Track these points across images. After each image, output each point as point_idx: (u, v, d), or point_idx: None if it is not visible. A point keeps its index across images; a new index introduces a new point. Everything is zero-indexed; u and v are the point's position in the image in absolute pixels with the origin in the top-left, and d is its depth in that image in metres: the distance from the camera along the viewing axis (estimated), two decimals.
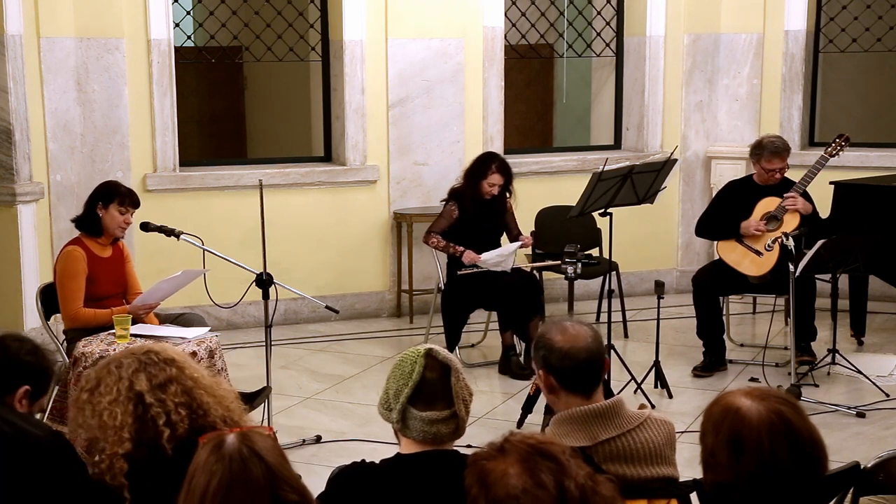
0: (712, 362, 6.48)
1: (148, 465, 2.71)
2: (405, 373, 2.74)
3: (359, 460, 2.83)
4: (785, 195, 6.34)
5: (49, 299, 5.35)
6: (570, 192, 7.14)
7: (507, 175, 6.63)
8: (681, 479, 3.06)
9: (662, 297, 5.85)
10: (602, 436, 2.90)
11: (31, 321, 6.68)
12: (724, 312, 6.72)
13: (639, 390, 5.84)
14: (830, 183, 6.89)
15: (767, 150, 6.39)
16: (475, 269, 6.51)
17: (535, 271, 6.77)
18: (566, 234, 7.03)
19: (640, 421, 2.96)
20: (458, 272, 6.53)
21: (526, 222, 7.37)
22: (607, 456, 2.88)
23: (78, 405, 2.84)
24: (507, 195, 6.73)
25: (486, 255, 6.53)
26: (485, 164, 6.63)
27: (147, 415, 2.73)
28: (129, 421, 2.74)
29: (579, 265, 5.74)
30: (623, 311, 7.38)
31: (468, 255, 6.52)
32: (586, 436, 2.90)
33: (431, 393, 2.72)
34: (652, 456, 2.93)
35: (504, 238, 6.86)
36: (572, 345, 2.93)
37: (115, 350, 4.77)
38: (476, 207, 6.64)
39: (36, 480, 2.76)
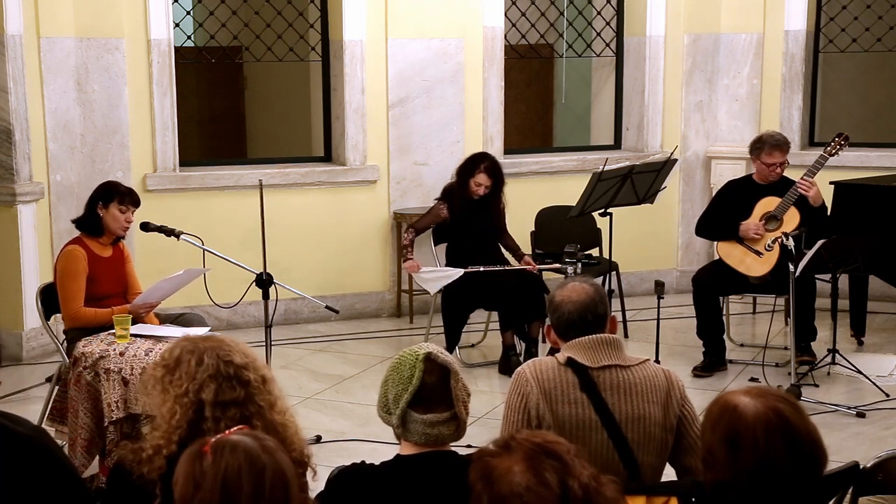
0: (712, 362, 6.48)
1: None
2: (404, 378, 2.74)
3: (358, 461, 2.83)
4: (800, 179, 6.30)
5: (49, 299, 5.34)
6: (570, 192, 7.15)
7: (496, 178, 6.61)
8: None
9: (662, 297, 5.86)
10: (604, 360, 3.09)
11: (31, 321, 6.69)
12: (724, 312, 6.72)
13: None
14: (830, 183, 6.89)
15: (768, 144, 6.39)
16: (479, 269, 6.52)
17: (536, 271, 6.76)
18: (566, 234, 7.03)
19: (639, 362, 3.16)
20: (464, 270, 6.53)
21: (526, 222, 7.38)
22: (608, 384, 3.06)
23: (151, 381, 2.82)
24: (502, 197, 6.72)
25: (425, 270, 6.61)
26: (474, 162, 6.65)
27: (201, 425, 2.71)
28: (183, 424, 2.73)
29: (579, 265, 5.75)
30: (623, 311, 7.38)
31: (408, 265, 6.66)
32: (589, 359, 3.10)
33: (432, 397, 2.73)
34: (649, 393, 3.08)
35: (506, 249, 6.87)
36: (564, 298, 3.20)
37: (114, 350, 4.77)
38: (466, 207, 6.64)
39: (20, 476, 2.74)
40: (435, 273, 6.62)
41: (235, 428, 2.32)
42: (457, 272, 6.53)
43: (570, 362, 3.09)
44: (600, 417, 3.01)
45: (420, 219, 6.82)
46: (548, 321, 3.28)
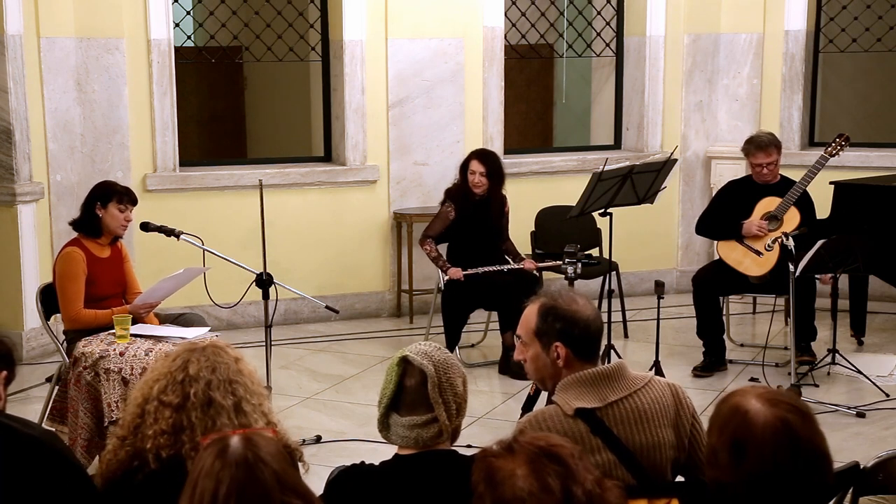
0: (712, 362, 6.48)
1: (132, 481, 2.73)
2: (386, 381, 2.78)
3: (358, 462, 2.83)
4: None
5: (49, 299, 5.34)
6: (570, 192, 7.14)
7: (490, 165, 6.61)
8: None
9: (662, 297, 5.85)
10: (611, 397, 2.86)
11: (31, 321, 6.69)
12: (724, 312, 6.72)
13: None
14: (830, 183, 6.89)
15: (753, 145, 6.43)
16: (477, 271, 6.52)
17: (536, 271, 6.76)
18: (566, 234, 7.03)
19: (644, 382, 2.93)
20: (463, 272, 6.52)
21: (526, 222, 7.38)
22: (618, 419, 2.85)
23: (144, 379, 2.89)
24: (505, 200, 6.73)
25: (470, 272, 6.58)
26: (466, 157, 6.70)
27: (141, 426, 2.76)
28: (136, 409, 2.79)
29: (579, 265, 5.74)
30: (623, 311, 7.38)
31: (453, 272, 6.55)
32: (596, 397, 2.86)
33: (411, 400, 2.74)
34: (661, 415, 2.89)
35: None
36: (589, 314, 2.93)
37: (114, 350, 4.78)
38: (469, 208, 6.64)
39: (31, 478, 2.75)
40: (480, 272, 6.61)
41: (258, 426, 2.31)
42: (503, 267, 6.61)
43: (580, 413, 2.84)
44: (617, 455, 2.82)
45: (430, 225, 6.78)
46: (557, 342, 2.92)
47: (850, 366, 6.16)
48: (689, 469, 3.00)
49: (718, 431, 2.34)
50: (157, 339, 4.95)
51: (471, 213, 6.65)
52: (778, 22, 8.30)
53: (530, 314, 3.01)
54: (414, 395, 2.73)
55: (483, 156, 6.66)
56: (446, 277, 6.59)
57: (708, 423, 2.42)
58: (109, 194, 5.25)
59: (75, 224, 5.33)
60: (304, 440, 5.37)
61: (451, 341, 6.49)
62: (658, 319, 5.90)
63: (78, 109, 7.02)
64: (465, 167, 6.66)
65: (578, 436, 2.81)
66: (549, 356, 2.95)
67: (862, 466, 3.14)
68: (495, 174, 6.63)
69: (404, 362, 2.76)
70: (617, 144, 8.69)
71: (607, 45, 8.62)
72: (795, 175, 6.48)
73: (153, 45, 7.17)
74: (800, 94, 8.34)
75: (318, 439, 5.42)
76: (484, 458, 2.10)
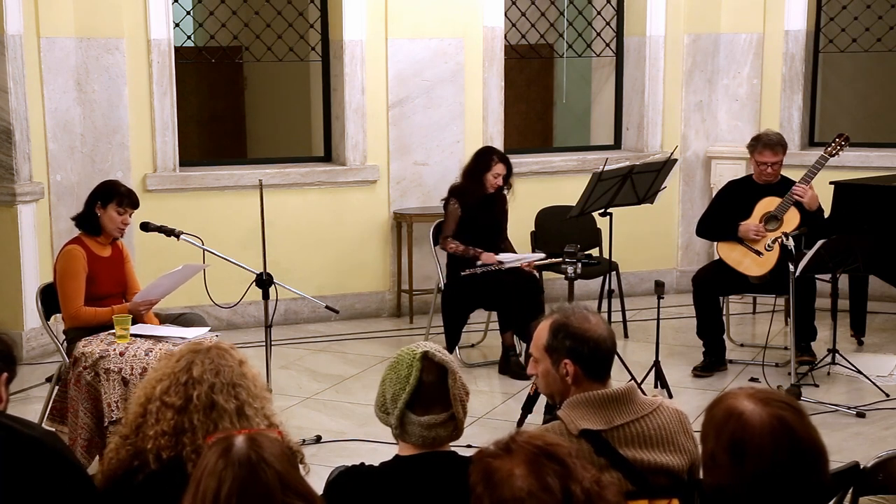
0: (712, 362, 6.48)
1: (130, 480, 2.74)
2: (401, 377, 2.72)
3: (358, 462, 2.83)
4: (795, 185, 6.33)
5: (49, 299, 5.34)
6: (570, 192, 7.15)
7: (509, 164, 6.71)
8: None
9: (662, 297, 5.85)
10: (617, 420, 2.86)
11: (31, 321, 6.69)
12: (724, 312, 6.72)
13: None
14: (830, 183, 6.89)
15: (760, 143, 6.42)
16: (479, 269, 6.52)
17: (535, 271, 6.76)
18: (566, 234, 7.03)
19: (653, 407, 2.93)
20: (462, 272, 6.52)
21: (526, 222, 7.38)
22: (623, 440, 2.85)
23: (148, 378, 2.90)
24: (506, 191, 6.75)
25: (503, 256, 6.59)
26: (486, 156, 6.69)
27: (142, 426, 2.76)
28: (140, 409, 2.79)
29: (579, 265, 5.74)
30: (623, 311, 7.38)
31: (486, 257, 6.55)
32: (602, 420, 2.86)
33: (429, 397, 2.71)
34: (666, 442, 2.89)
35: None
36: (600, 333, 2.93)
37: (114, 350, 4.78)
38: (477, 204, 6.65)
39: (32, 479, 2.75)
40: (514, 258, 6.62)
41: (264, 426, 2.31)
42: (537, 256, 6.66)
43: (584, 433, 2.81)
44: (621, 472, 2.80)
45: (445, 226, 6.75)
46: (565, 359, 2.91)
47: (850, 366, 6.16)
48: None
49: (715, 435, 2.32)
50: (157, 339, 4.95)
51: (475, 210, 6.66)
52: (778, 22, 8.30)
53: (542, 330, 3.00)
54: (432, 392, 2.70)
55: (503, 157, 6.69)
56: (480, 262, 6.51)
57: (701, 431, 2.41)
58: (111, 195, 5.25)
59: (77, 220, 5.33)
60: (304, 440, 5.37)
61: (451, 341, 6.49)
62: (658, 319, 5.90)
63: (78, 109, 7.02)
64: (483, 168, 6.62)
65: (581, 455, 2.79)
66: (559, 373, 2.95)
67: (862, 466, 3.14)
68: (511, 171, 6.70)
69: (425, 358, 2.71)
70: (617, 144, 8.69)
71: (607, 45, 8.62)
72: (795, 175, 6.48)
73: (153, 45, 7.18)
74: (800, 94, 8.35)
75: (318, 439, 5.42)
76: (481, 458, 2.10)
